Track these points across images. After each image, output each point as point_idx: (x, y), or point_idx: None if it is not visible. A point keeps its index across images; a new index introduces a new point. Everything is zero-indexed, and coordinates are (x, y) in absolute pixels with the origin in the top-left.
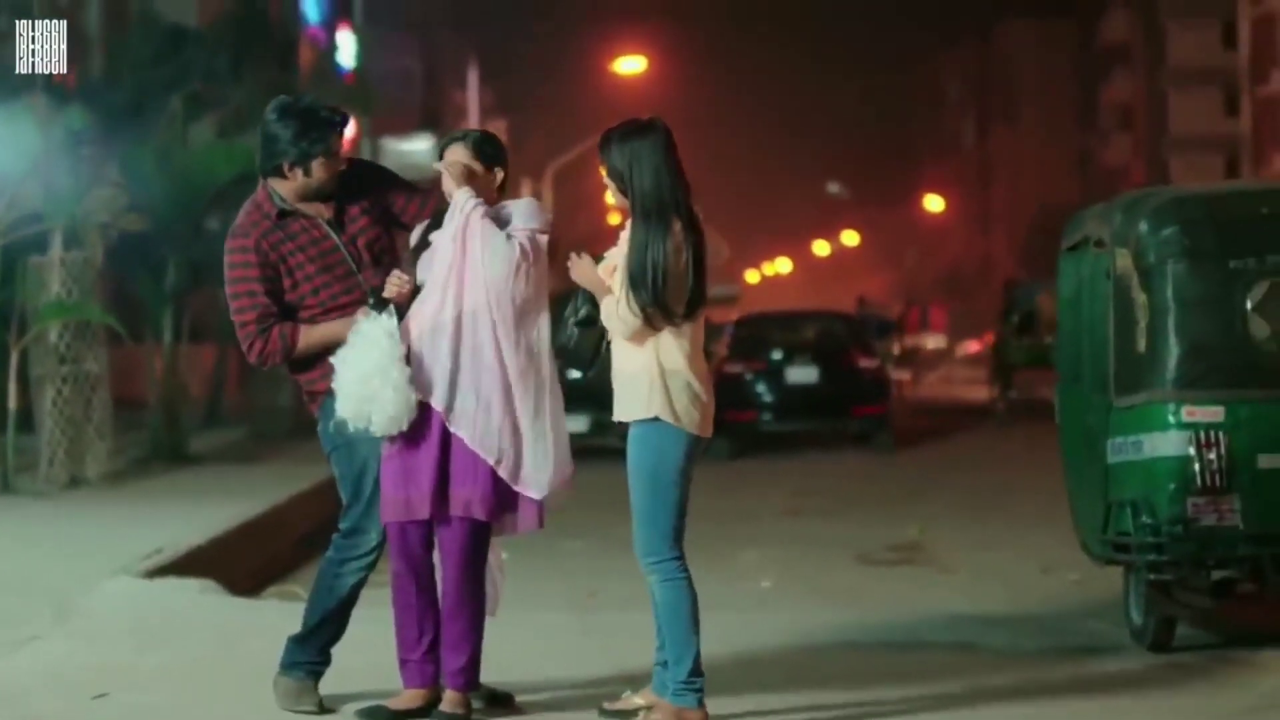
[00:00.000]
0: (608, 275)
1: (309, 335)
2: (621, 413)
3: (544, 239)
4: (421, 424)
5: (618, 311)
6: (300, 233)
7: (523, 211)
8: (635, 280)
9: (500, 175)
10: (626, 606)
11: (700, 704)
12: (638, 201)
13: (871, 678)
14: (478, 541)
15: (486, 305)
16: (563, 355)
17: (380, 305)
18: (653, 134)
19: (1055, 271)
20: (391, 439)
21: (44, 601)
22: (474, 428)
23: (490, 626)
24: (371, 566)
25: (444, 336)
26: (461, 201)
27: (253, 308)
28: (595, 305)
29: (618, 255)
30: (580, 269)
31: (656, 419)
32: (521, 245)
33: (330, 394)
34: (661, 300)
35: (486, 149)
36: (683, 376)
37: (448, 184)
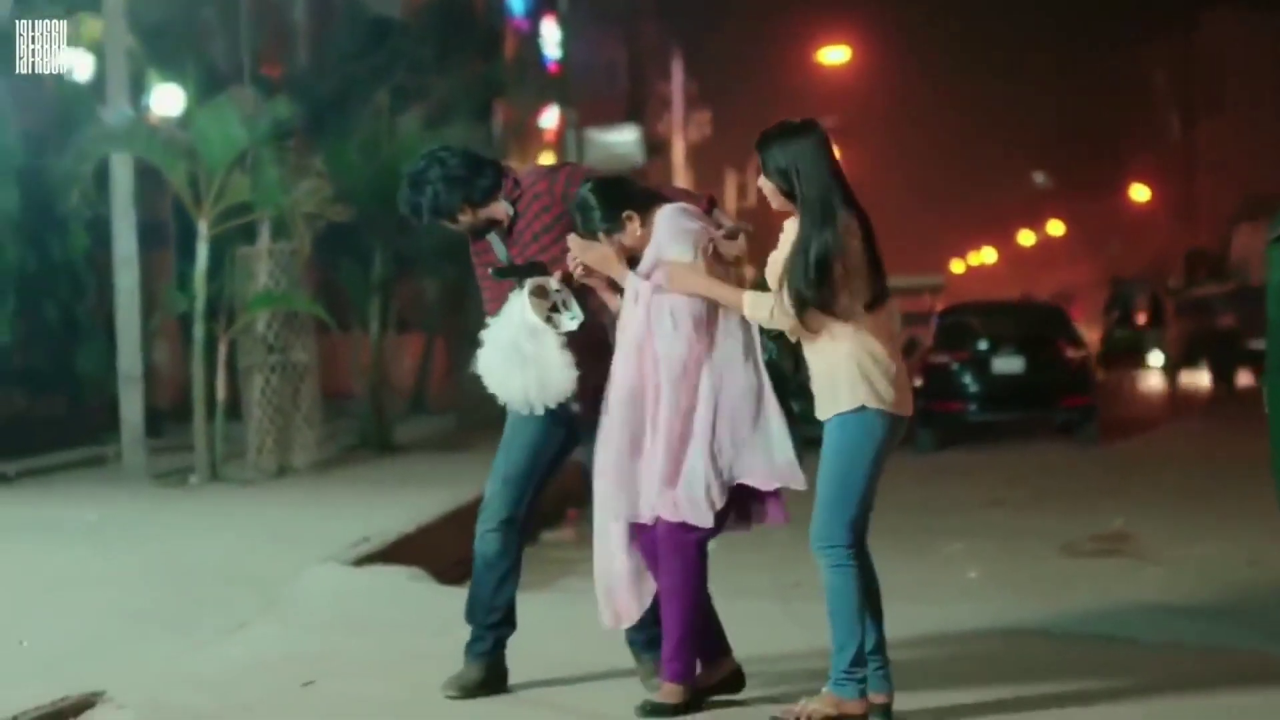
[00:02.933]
0: (774, 277)
1: None
2: (826, 410)
3: (707, 248)
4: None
5: (778, 308)
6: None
7: (663, 234)
8: (796, 276)
9: (634, 218)
10: None
11: (861, 694)
12: (803, 199)
13: (1074, 670)
14: (673, 540)
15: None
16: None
17: (503, 274)
18: (813, 134)
19: (1265, 261)
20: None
21: (252, 589)
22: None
23: None
24: (501, 537)
25: (625, 405)
26: (632, 287)
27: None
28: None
29: (779, 257)
30: (680, 278)
31: (863, 407)
32: (689, 337)
33: None
34: (825, 294)
35: (603, 212)
36: (883, 362)
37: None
